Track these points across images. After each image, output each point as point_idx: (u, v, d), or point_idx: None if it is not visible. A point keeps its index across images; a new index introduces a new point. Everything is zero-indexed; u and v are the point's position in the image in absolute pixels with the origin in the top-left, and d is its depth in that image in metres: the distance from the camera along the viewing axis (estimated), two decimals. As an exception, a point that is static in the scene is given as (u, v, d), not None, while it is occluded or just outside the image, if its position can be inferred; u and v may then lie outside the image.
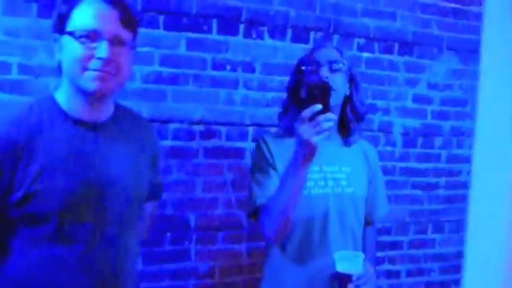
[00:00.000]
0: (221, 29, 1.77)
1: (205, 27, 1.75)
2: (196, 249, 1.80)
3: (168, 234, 1.76)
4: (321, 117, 1.03)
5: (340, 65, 1.30)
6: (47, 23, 1.49)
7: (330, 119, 1.04)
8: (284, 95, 1.72)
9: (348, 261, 1.17)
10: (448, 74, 2.23)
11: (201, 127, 1.76)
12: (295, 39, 1.90)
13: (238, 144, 1.83)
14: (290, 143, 1.24)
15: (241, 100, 1.83)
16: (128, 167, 1.06)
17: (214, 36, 1.76)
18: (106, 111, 1.05)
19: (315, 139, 1.03)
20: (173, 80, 1.72)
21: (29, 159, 0.93)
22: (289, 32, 1.89)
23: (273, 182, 1.25)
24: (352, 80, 1.36)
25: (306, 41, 1.91)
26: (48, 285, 0.96)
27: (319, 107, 1.03)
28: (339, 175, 1.32)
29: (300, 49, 1.86)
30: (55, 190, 0.94)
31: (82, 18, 0.95)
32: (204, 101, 1.77)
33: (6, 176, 0.93)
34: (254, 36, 1.83)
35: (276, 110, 1.77)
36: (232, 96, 1.81)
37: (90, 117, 1.01)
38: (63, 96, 1.01)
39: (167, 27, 1.70)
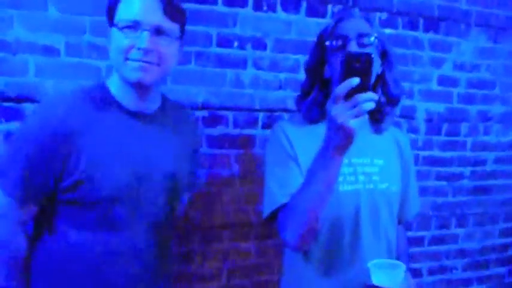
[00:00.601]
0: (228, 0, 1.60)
1: (210, -2, 1.58)
2: (200, 250, 1.65)
3: (169, 233, 1.59)
4: (361, 96, 0.84)
5: (372, 38, 1.11)
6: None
7: (371, 99, 0.85)
8: (298, 75, 1.64)
9: (386, 272, 0.99)
10: (475, 54, 2.05)
11: (204, 112, 1.61)
12: (311, 12, 1.72)
13: (247, 131, 1.67)
14: (313, 131, 1.09)
15: (250, 81, 1.66)
16: (173, 159, 1.09)
17: (220, 8, 1.59)
18: (154, 103, 1.09)
19: (352, 123, 0.84)
20: (173, 58, 1.54)
21: (82, 146, 0.96)
22: (304, 4, 1.71)
23: (294, 178, 1.07)
24: (384, 56, 1.17)
25: (323, 15, 1.73)
26: (88, 269, 1.00)
27: (356, 80, 0.84)
28: (371, 169, 1.14)
29: (316, 24, 1.70)
30: (104, 178, 0.98)
31: (126, 9, 0.99)
32: (208, 82, 1.61)
33: (59, 161, 0.96)
34: (265, 8, 1.65)
35: (289, 92, 1.68)
36: (240, 77, 1.65)
37: (139, 107, 1.05)
38: (114, 86, 1.05)
39: (166, -3, 1.49)
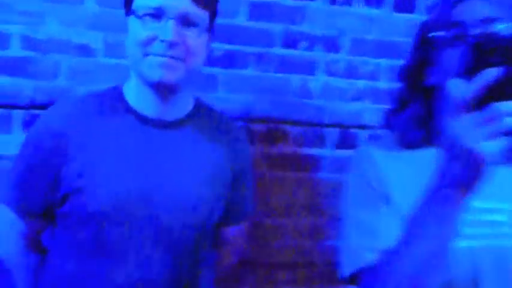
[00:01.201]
0: (296, -9, 1.47)
1: (274, -11, 1.46)
2: (252, 292, 1.49)
3: (215, 271, 1.43)
4: (502, 105, 0.59)
5: (505, 26, 0.84)
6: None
7: None
8: (379, 83, 1.52)
9: None
10: None
11: (262, 127, 1.49)
12: (398, 6, 1.56)
13: (313, 151, 1.53)
14: (412, 160, 0.86)
15: (319, 90, 1.52)
16: (197, 179, 0.99)
17: (286, 0, 1.47)
18: (180, 108, 1.00)
19: (486, 147, 0.60)
20: (227, 60, 1.45)
21: (76, 154, 0.93)
22: (390, -4, 1.57)
23: (387, 227, 0.83)
24: None
25: (411, 10, 1.57)
26: None
27: (492, 72, 0.59)
28: (499, 217, 0.88)
29: (403, 20, 1.56)
30: (97, 191, 0.93)
31: None
32: (269, 90, 1.48)
33: (53, 170, 0.93)
34: (340, 1, 1.52)
35: (367, 104, 1.54)
36: (308, 84, 1.51)
37: (159, 114, 0.97)
38: (130, 89, 0.99)
39: (222, -12, 1.40)
